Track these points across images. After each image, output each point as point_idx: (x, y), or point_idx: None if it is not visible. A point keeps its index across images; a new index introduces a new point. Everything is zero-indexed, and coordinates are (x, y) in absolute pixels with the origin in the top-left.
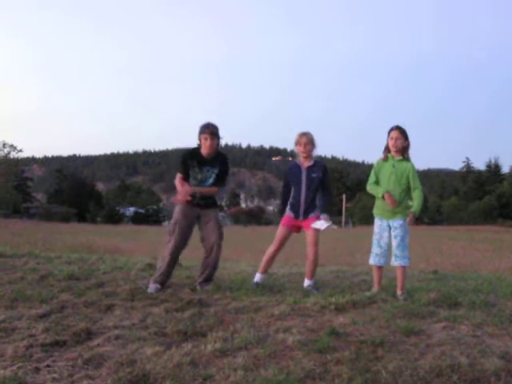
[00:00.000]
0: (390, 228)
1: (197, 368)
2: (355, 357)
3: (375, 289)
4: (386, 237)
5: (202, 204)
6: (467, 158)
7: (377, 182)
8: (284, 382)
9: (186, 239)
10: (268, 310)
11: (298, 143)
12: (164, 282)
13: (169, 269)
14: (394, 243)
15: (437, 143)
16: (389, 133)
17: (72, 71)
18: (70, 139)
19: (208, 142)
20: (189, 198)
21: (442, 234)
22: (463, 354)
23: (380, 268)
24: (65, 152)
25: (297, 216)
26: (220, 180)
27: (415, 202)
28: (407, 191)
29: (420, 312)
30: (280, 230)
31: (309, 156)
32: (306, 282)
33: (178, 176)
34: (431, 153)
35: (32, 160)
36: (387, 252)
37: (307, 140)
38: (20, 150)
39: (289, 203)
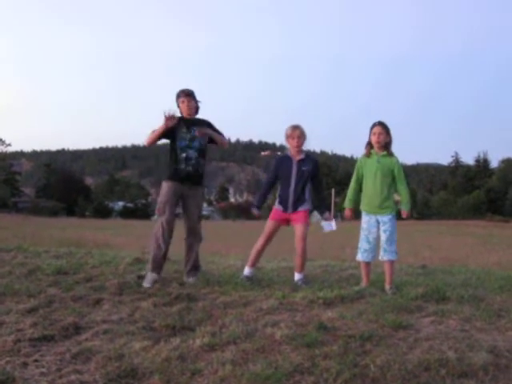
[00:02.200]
0: (378, 223)
1: (185, 362)
2: (343, 351)
3: (364, 284)
4: (375, 232)
5: (190, 177)
6: (456, 153)
7: (360, 179)
8: (272, 376)
9: (174, 216)
10: (256, 304)
11: (290, 136)
12: (161, 266)
13: (165, 246)
14: (383, 238)
15: (425, 137)
16: (371, 129)
17: (59, 64)
18: (59, 133)
19: (186, 104)
20: (174, 120)
21: (431, 229)
22: (451, 349)
23: (368, 263)
24: (53, 146)
25: (285, 209)
26: (218, 132)
27: (404, 199)
28: (394, 186)
29: (408, 306)
30: (268, 224)
31: (301, 149)
32: (297, 276)
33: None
34: (420, 147)
35: (20, 154)
36: (375, 247)
37: (300, 133)
38: (9, 144)
39: (277, 196)
